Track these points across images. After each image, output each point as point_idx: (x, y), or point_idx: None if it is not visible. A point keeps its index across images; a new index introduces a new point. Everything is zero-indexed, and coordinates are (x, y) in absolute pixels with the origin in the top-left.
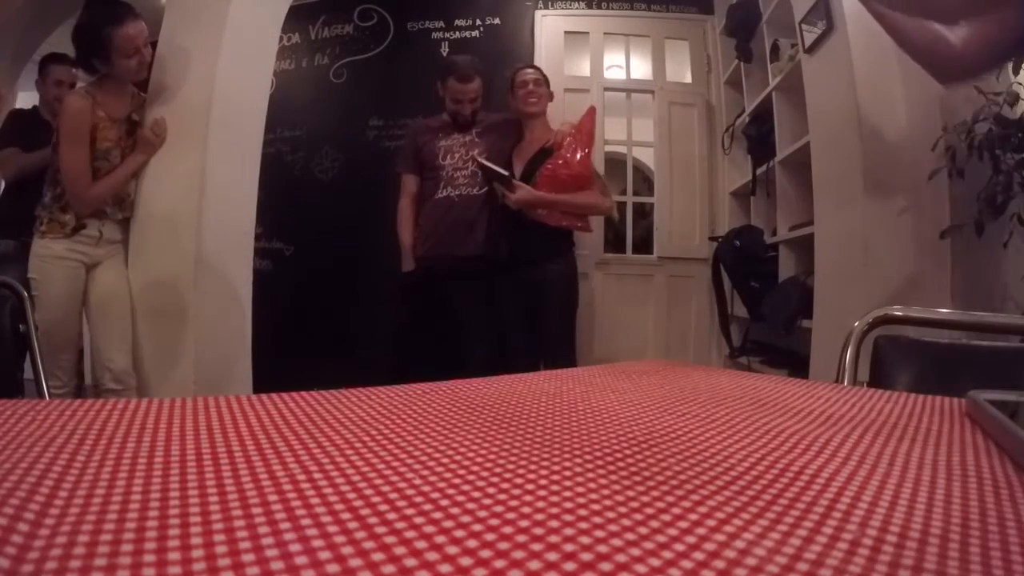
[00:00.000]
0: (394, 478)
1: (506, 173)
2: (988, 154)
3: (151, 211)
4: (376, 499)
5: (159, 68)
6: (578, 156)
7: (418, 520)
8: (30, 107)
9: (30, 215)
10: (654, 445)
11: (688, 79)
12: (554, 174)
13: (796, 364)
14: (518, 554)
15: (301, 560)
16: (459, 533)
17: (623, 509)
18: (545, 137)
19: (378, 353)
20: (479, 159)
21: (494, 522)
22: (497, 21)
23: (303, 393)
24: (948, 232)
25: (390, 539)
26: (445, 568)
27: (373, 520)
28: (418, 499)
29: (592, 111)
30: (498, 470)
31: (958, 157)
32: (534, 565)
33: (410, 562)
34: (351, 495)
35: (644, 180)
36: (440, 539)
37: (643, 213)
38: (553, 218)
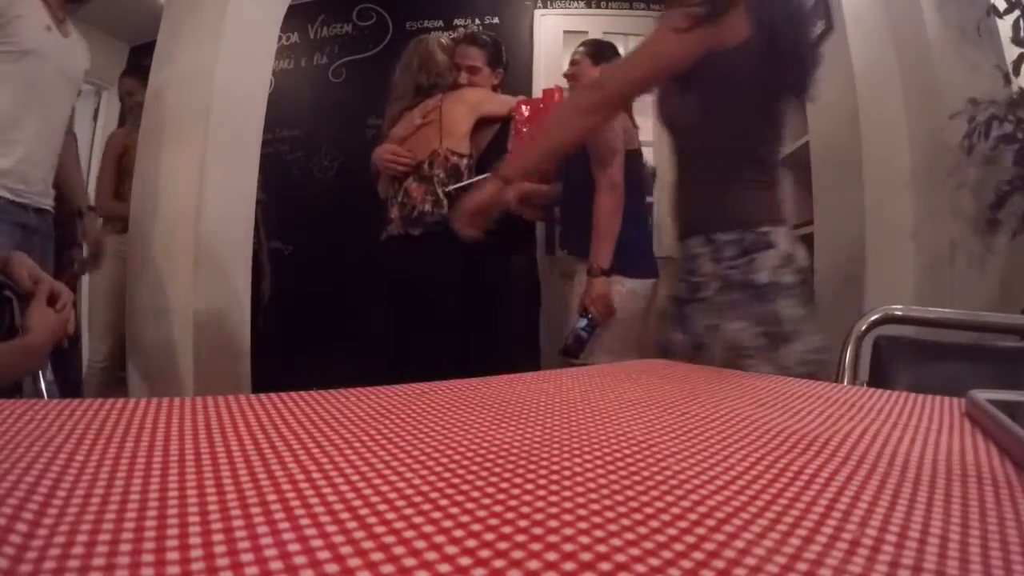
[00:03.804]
0: (393, 478)
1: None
2: (1014, 146)
3: (150, 210)
4: (375, 499)
5: (158, 67)
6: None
7: (417, 520)
8: None
9: None
10: (653, 445)
11: None
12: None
13: None
14: (517, 554)
15: (300, 560)
16: (458, 533)
17: (623, 509)
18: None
19: (377, 352)
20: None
21: (493, 522)
22: (496, 20)
23: (302, 393)
24: (996, 206)
25: (389, 539)
26: (444, 568)
27: (372, 520)
28: (417, 499)
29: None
30: (497, 470)
31: (960, 155)
32: (533, 565)
33: (409, 562)
34: (350, 495)
35: None
36: (439, 539)
37: None
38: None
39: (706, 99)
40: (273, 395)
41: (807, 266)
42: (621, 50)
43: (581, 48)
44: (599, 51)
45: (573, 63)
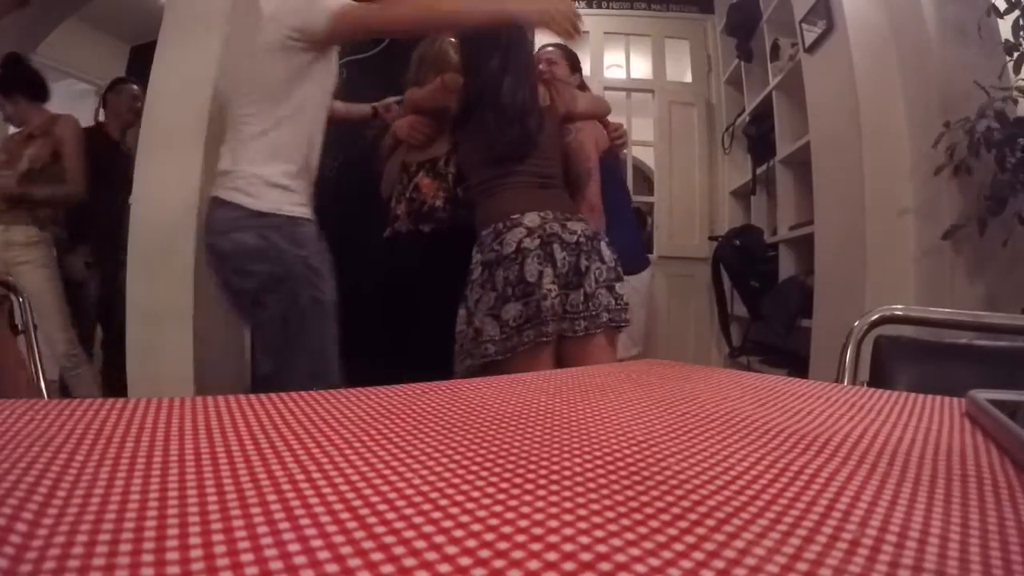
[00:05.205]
0: (393, 478)
1: None
2: (995, 150)
3: (150, 211)
4: (375, 499)
5: (159, 67)
6: None
7: (417, 520)
8: (94, 124)
9: None
10: (653, 445)
11: (688, 78)
12: None
13: (796, 364)
14: (517, 554)
15: (300, 560)
16: (458, 533)
17: (623, 509)
18: None
19: (377, 352)
20: None
21: (493, 522)
22: None
23: (302, 393)
24: (950, 233)
25: (389, 539)
26: (444, 568)
27: (372, 520)
28: (417, 499)
29: None
30: (497, 470)
31: (957, 154)
32: (533, 565)
33: (409, 562)
34: (350, 495)
35: (644, 180)
36: (439, 539)
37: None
38: None
39: (460, 152)
40: (273, 395)
41: (573, 232)
42: (622, 51)
43: (557, 51)
44: (575, 61)
45: (550, 62)
